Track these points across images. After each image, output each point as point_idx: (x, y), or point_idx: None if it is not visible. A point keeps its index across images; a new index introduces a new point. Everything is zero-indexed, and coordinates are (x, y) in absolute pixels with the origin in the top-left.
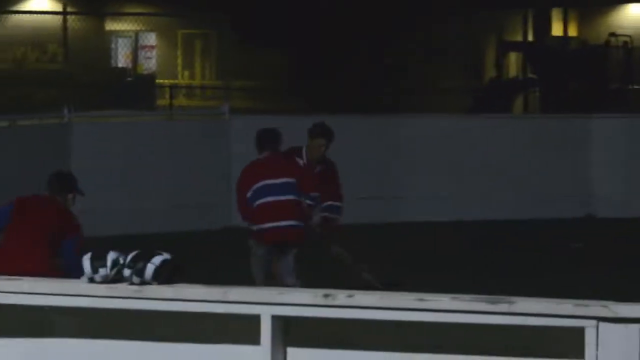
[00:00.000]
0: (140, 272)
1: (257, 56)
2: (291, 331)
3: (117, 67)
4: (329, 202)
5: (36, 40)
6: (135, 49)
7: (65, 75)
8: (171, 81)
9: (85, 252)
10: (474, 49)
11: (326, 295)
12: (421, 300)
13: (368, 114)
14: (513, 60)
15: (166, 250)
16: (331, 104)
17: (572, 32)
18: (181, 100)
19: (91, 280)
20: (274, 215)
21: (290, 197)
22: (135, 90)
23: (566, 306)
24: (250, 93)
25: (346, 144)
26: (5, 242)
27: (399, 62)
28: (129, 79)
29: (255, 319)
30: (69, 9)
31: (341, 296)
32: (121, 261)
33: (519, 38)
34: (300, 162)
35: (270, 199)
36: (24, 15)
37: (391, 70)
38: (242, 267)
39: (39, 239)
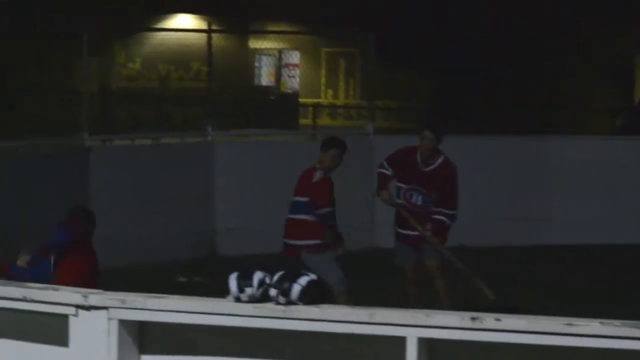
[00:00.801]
0: (286, 292)
1: (402, 75)
2: (436, 354)
3: (260, 86)
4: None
5: (180, 58)
6: (279, 67)
7: (208, 93)
8: (314, 100)
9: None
10: (624, 68)
11: (473, 319)
12: (570, 325)
13: (516, 133)
14: None
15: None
16: (478, 123)
17: None
18: (324, 120)
19: (237, 299)
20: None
21: (301, 216)
22: (278, 109)
23: None
24: (394, 113)
25: (493, 164)
26: None
27: (551, 81)
28: (272, 97)
29: (401, 341)
30: (213, 27)
31: (489, 319)
32: (267, 281)
33: None
34: (317, 175)
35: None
36: (168, 32)
37: (541, 89)
38: (387, 289)
39: None
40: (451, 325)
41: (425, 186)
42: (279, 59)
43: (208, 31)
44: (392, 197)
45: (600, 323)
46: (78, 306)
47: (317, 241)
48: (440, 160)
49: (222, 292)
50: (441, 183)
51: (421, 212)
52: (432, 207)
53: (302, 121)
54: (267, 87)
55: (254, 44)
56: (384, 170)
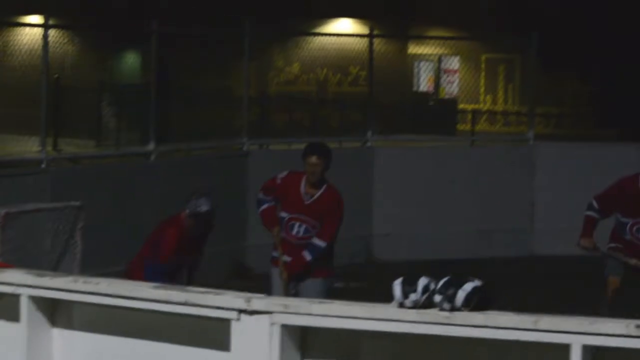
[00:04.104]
0: (451, 299)
1: (562, 82)
2: None
3: (419, 91)
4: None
5: (339, 63)
6: (438, 73)
7: (368, 98)
8: (473, 106)
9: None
10: None
11: (638, 326)
12: None
13: None
14: None
15: (475, 277)
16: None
17: None
18: (483, 126)
19: (401, 305)
20: None
21: None
22: (437, 114)
23: None
24: (554, 119)
25: None
26: None
27: None
28: (431, 103)
29: (565, 348)
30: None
31: None
32: (432, 287)
33: None
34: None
35: None
36: (327, 37)
37: None
38: (548, 295)
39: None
40: (616, 332)
41: None
42: (438, 64)
43: (369, 36)
44: (595, 244)
45: None
46: (241, 310)
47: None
48: None
49: (379, 297)
50: None
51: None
52: None
53: (461, 127)
54: (425, 93)
55: (414, 49)
56: (592, 214)
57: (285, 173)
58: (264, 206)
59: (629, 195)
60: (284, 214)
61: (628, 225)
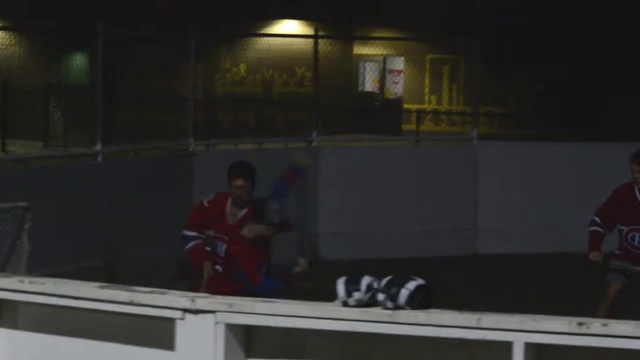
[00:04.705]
0: (394, 297)
1: (506, 82)
2: (543, 359)
3: (364, 92)
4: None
5: (285, 64)
6: (383, 74)
7: (313, 98)
8: (418, 106)
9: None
10: None
11: (580, 324)
12: None
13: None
14: None
15: (419, 276)
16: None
17: None
18: (427, 125)
19: (345, 304)
20: None
21: None
22: (381, 114)
23: None
24: (498, 119)
25: (600, 171)
26: None
27: None
28: (377, 103)
29: (508, 346)
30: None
31: (596, 325)
32: (375, 285)
33: None
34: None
35: None
36: (273, 38)
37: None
38: (491, 294)
39: None
40: (558, 330)
41: None
42: (383, 64)
43: (314, 37)
44: (603, 257)
45: None
46: (185, 310)
47: None
48: None
49: (323, 296)
50: None
51: None
52: None
53: (405, 127)
54: (371, 93)
55: (359, 49)
56: (596, 229)
57: (211, 196)
58: (190, 244)
59: (625, 202)
60: (211, 232)
61: (624, 233)
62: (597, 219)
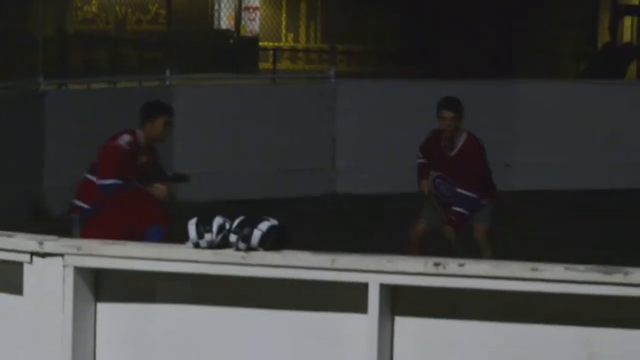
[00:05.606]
0: (246, 238)
1: (364, 19)
2: (399, 300)
3: (219, 29)
4: None
5: (138, 1)
6: (239, 11)
7: (167, 36)
8: (275, 44)
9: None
10: (587, 12)
11: (436, 264)
12: (534, 270)
13: (479, 78)
14: (628, 25)
15: (273, 216)
16: (443, 68)
17: None
18: (285, 64)
19: (196, 245)
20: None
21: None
22: (238, 52)
23: None
24: (357, 57)
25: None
26: None
27: (514, 25)
28: (232, 41)
29: (363, 287)
30: None
31: (452, 265)
32: (227, 226)
33: (635, 2)
34: (121, 142)
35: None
36: None
37: (505, 33)
38: (348, 234)
39: None
40: (414, 271)
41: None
42: (238, 1)
43: None
44: (432, 187)
45: (565, 268)
46: (33, 253)
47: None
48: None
49: (175, 238)
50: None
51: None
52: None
53: (262, 65)
54: (226, 31)
55: None
56: (422, 161)
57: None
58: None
59: (434, 147)
60: None
61: (432, 178)
62: (420, 153)
